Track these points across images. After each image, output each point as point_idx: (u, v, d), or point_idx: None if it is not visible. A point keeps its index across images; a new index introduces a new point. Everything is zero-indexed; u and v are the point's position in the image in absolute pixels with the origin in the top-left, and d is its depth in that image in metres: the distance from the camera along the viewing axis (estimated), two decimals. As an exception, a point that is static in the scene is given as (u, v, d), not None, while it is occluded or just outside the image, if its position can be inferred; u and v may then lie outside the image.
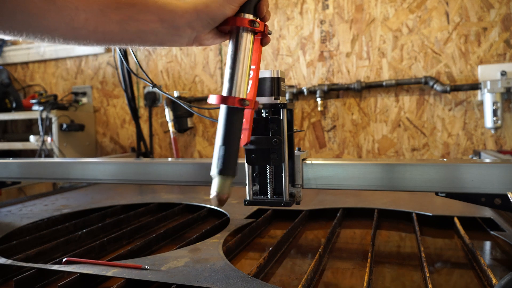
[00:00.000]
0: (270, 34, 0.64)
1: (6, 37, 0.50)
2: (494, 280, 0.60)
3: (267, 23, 0.63)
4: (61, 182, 1.85)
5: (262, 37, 0.64)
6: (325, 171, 0.74)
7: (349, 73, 1.88)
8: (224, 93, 0.57)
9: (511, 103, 1.67)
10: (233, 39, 0.59)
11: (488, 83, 1.59)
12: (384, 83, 1.78)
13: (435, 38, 1.75)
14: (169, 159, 1.03)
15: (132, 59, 2.15)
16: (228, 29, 0.60)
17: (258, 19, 0.60)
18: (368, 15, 1.84)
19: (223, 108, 0.57)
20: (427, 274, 0.63)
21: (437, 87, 1.70)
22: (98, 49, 2.32)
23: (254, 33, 0.60)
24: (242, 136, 0.58)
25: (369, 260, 0.70)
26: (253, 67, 0.61)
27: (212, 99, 0.56)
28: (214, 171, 0.54)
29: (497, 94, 1.59)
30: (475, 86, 1.65)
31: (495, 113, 1.59)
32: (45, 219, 1.09)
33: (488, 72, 1.64)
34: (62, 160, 1.06)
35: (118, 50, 1.12)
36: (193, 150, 2.20)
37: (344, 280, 0.68)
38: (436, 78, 1.74)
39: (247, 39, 0.59)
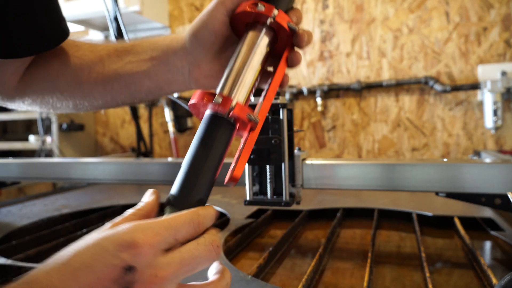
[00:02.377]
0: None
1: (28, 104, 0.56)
2: (494, 280, 0.60)
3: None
4: (61, 182, 1.85)
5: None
6: (325, 171, 0.74)
7: (349, 73, 1.88)
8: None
9: (511, 103, 1.67)
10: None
11: (488, 83, 1.59)
12: (384, 83, 1.78)
13: (435, 38, 1.75)
14: (169, 159, 1.03)
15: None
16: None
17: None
18: (368, 15, 1.84)
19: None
20: (427, 274, 0.63)
21: (437, 87, 1.70)
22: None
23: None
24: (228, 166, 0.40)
25: (369, 260, 0.70)
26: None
27: (194, 98, 0.41)
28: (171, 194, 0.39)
29: (497, 94, 1.59)
30: (475, 86, 1.65)
31: (495, 113, 1.59)
32: (45, 219, 1.09)
33: (488, 72, 1.64)
34: (62, 160, 1.06)
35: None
36: (193, 150, 2.19)
37: (344, 280, 0.68)
38: (436, 78, 1.74)
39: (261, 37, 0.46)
